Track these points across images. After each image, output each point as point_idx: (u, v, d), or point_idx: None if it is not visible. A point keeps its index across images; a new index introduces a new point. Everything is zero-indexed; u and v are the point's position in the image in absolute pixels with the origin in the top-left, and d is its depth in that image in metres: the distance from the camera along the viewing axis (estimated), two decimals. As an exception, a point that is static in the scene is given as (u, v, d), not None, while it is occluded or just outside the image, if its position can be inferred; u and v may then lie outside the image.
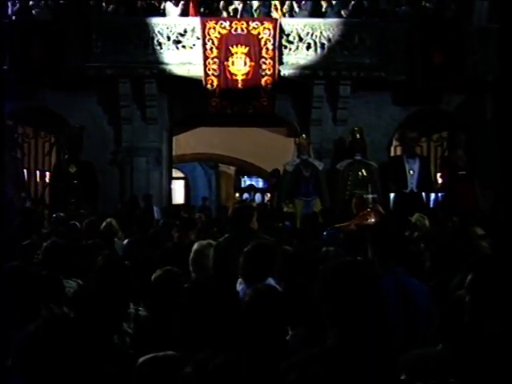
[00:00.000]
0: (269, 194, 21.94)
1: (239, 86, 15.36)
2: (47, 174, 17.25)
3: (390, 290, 3.96)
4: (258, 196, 26.43)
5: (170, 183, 17.86)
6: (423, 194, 15.53)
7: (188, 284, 3.17)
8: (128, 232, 9.51)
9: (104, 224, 8.47)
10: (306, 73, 15.63)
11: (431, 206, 15.32)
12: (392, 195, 15.48)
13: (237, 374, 2.31)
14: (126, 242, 8.36)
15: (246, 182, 27.14)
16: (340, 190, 15.40)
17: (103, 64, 15.20)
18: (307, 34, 15.55)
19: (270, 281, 4.68)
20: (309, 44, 15.59)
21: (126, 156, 16.14)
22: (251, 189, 26.07)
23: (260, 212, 13.77)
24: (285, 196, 15.06)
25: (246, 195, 25.31)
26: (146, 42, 15.50)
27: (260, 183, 26.72)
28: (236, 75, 15.38)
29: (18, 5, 15.99)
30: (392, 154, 17.30)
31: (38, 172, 17.34)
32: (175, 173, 22.98)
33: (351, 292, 2.60)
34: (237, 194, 26.95)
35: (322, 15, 16.25)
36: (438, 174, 16.84)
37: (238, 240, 5.91)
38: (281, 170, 15.97)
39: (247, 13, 16.40)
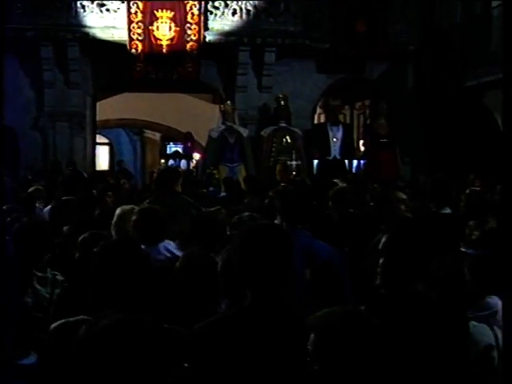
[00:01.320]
0: (194, 161, 21.87)
1: (164, 51, 15.23)
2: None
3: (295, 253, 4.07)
4: (183, 162, 26.31)
5: (93, 149, 17.66)
6: (346, 160, 15.82)
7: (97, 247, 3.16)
8: (50, 197, 9.38)
9: (31, 189, 8.38)
10: (232, 39, 15.62)
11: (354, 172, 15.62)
12: (315, 162, 15.71)
13: (125, 336, 2.30)
14: (49, 207, 8.24)
15: (172, 148, 26.92)
16: (264, 156, 15.52)
17: (24, 26, 14.81)
18: (233, -1, 15.53)
19: (168, 244, 4.81)
20: (234, 10, 15.56)
21: (49, 121, 15.85)
22: (177, 155, 25.88)
23: (185, 178, 13.83)
24: (209, 162, 15.09)
25: (171, 161, 25.10)
26: (69, 5, 15.17)
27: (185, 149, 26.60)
28: (161, 40, 15.24)
29: None
30: (316, 121, 17.51)
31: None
32: (99, 138, 22.69)
33: (264, 254, 2.63)
34: (162, 161, 26.76)
35: (248, -19, 16.21)
36: (361, 142, 17.14)
37: (162, 201, 6.00)
38: (194, 133, 15.91)
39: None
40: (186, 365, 2.64)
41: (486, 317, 3.65)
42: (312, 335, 2.44)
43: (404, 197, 6.52)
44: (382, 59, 16.53)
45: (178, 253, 4.68)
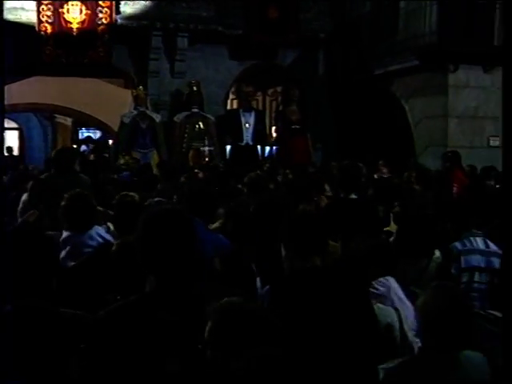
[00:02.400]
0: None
1: (74, 34, 14.95)
2: None
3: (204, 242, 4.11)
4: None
5: (1, 134, 17.19)
6: (258, 146, 15.95)
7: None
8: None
9: None
10: (144, 23, 15.48)
11: (266, 158, 15.77)
12: (228, 148, 15.79)
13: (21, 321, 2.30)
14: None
15: (84, 133, 26.50)
16: (177, 142, 15.49)
17: None
18: (145, -17, 15.38)
19: (98, 229, 4.77)
20: (147, -6, 15.43)
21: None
22: (89, 141, 25.51)
23: (97, 163, 13.67)
24: (121, 148, 14.96)
25: (83, 147, 24.71)
26: (-26, -15, 14.71)
27: (98, 135, 26.21)
28: (71, 23, 14.96)
29: None
30: (228, 107, 17.58)
31: None
32: (8, 123, 22.12)
33: (165, 239, 2.65)
34: (74, 146, 26.31)
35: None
36: (273, 128, 17.32)
37: (57, 179, 5.96)
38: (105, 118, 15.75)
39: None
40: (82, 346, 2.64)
41: (380, 295, 3.82)
42: (209, 323, 2.50)
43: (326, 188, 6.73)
44: (294, 46, 16.74)
45: (109, 237, 4.69)
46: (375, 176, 12.39)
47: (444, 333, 2.98)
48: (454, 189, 8.52)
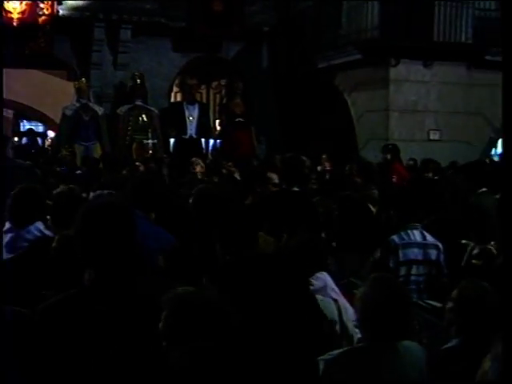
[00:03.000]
0: (49, 139, 21.33)
1: (14, 24, 14.69)
2: None
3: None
4: (38, 140, 25.55)
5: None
6: (202, 139, 15.93)
7: None
8: None
9: None
10: (86, 14, 15.31)
11: (209, 151, 15.78)
12: (172, 141, 15.73)
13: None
14: None
15: (26, 126, 26.04)
16: (120, 135, 15.37)
17: None
18: (88, -26, 15.21)
19: (39, 224, 4.71)
20: (89, -15, 15.26)
21: None
22: (31, 133, 25.07)
23: (38, 156, 13.49)
24: (64, 141, 14.77)
25: (25, 139, 24.28)
26: None
27: (40, 127, 25.79)
28: (11, 13, 14.68)
29: None
30: (172, 99, 17.51)
31: None
32: None
33: (103, 232, 2.63)
34: (16, 138, 25.84)
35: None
36: (217, 121, 17.32)
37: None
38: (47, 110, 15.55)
39: None
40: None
41: (317, 290, 3.87)
42: (164, 313, 2.50)
43: (275, 177, 6.78)
44: (238, 39, 16.76)
45: (48, 232, 4.62)
46: (318, 169, 12.53)
47: (382, 323, 3.04)
48: (393, 181, 8.69)
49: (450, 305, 3.49)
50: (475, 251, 5.65)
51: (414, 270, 5.28)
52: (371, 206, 6.33)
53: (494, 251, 5.78)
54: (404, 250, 5.26)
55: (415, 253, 5.29)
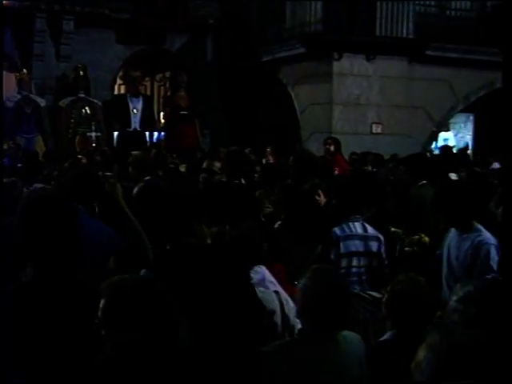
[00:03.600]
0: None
1: (-48, 14, 14.36)
2: None
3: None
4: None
5: None
6: (146, 132, 15.84)
7: None
8: None
9: None
10: (27, 5, 15.06)
11: (154, 144, 15.67)
12: (116, 133, 15.60)
13: None
14: None
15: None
16: (63, 127, 15.19)
17: None
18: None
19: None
20: (31, -26, 15.01)
21: None
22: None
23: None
24: (5, 133, 14.49)
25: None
26: None
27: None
28: (-51, 3, 14.36)
29: None
30: (116, 92, 17.35)
31: None
32: None
33: (42, 227, 2.63)
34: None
35: None
36: (161, 114, 17.23)
37: None
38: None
39: None
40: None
41: (256, 283, 3.89)
42: (102, 301, 2.51)
43: (218, 165, 6.81)
44: (183, 31, 16.71)
45: None
46: (263, 161, 12.59)
47: (322, 315, 3.09)
48: (335, 174, 8.79)
49: (384, 299, 3.59)
50: (407, 240, 5.82)
51: (354, 262, 5.37)
52: (322, 196, 6.42)
53: (427, 239, 5.95)
54: (345, 242, 5.35)
55: (356, 245, 5.38)
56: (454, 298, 2.82)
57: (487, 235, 4.82)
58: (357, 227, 5.43)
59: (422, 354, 2.18)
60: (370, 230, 5.49)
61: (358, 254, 5.39)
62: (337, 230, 5.37)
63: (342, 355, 3.19)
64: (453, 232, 5.06)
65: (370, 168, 9.89)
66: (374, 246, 5.44)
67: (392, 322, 3.51)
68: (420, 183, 6.78)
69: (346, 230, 5.40)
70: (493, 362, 2.02)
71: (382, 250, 5.50)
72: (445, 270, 5.08)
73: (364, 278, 5.37)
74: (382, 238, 5.53)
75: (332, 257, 5.28)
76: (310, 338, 3.17)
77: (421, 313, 3.36)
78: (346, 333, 3.25)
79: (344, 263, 5.34)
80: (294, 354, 3.12)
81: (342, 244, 5.33)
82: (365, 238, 5.42)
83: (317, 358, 3.12)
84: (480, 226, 4.83)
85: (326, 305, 3.11)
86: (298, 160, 6.62)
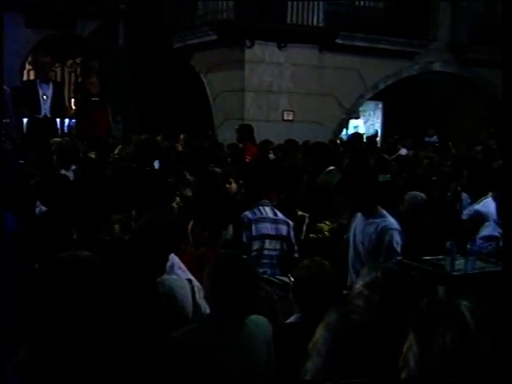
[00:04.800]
0: None
1: None
2: None
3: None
4: None
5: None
6: (57, 119, 15.54)
7: None
8: None
9: None
10: None
11: (65, 131, 15.42)
12: (25, 120, 15.25)
13: None
14: None
15: None
16: (-31, 114, 14.76)
17: None
18: None
19: None
20: None
21: None
22: None
23: None
24: None
25: None
26: None
27: None
28: None
29: None
30: (25, 78, 16.97)
31: None
32: None
33: None
34: None
35: None
36: (72, 100, 16.95)
37: None
38: None
39: None
40: None
41: (166, 270, 3.93)
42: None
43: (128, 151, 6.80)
44: (94, 17, 16.47)
45: None
46: (179, 149, 12.60)
47: (229, 300, 3.12)
48: (247, 160, 8.90)
49: (291, 283, 3.68)
50: (313, 227, 5.98)
51: (267, 245, 5.46)
52: (233, 184, 6.51)
53: (330, 226, 6.12)
54: (257, 225, 5.44)
55: (268, 228, 5.48)
56: (360, 282, 2.93)
57: (391, 220, 5.01)
58: (267, 211, 5.53)
59: (319, 333, 2.27)
60: (280, 215, 5.60)
61: (269, 236, 5.48)
62: (248, 214, 5.45)
63: (249, 339, 3.24)
64: (359, 217, 5.23)
65: (271, 156, 10.04)
66: (284, 230, 5.55)
67: (298, 306, 3.61)
68: (328, 169, 6.95)
69: (257, 213, 5.48)
70: (389, 348, 2.06)
71: (292, 234, 5.63)
72: (351, 254, 5.25)
73: (275, 261, 5.46)
74: (291, 223, 5.65)
75: (244, 240, 5.36)
76: (217, 324, 3.19)
77: (325, 296, 3.42)
78: (253, 317, 3.28)
79: (256, 246, 5.42)
80: (201, 339, 3.14)
81: (254, 227, 5.41)
82: (275, 222, 5.53)
83: (224, 343, 3.15)
84: (384, 212, 5.02)
85: (233, 290, 3.14)
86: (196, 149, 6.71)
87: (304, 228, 6.13)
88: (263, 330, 3.34)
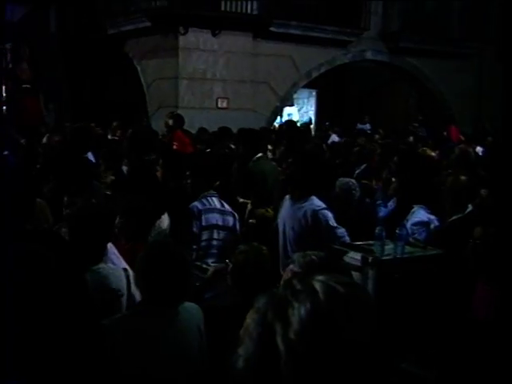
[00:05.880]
0: None
1: None
2: None
3: None
4: None
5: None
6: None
7: None
8: None
9: None
10: None
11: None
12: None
13: None
14: None
15: None
16: None
17: None
18: None
19: None
20: None
21: None
22: None
23: None
24: None
25: None
26: None
27: None
28: None
29: None
30: None
31: None
32: None
33: None
34: None
35: None
36: (3, 87, 16.59)
37: None
38: None
39: None
40: None
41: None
42: None
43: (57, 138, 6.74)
44: (24, 2, 16.14)
45: None
46: (109, 137, 12.49)
47: (160, 287, 3.15)
48: (174, 147, 8.83)
49: (229, 268, 3.73)
50: (253, 213, 6.06)
51: (215, 235, 5.47)
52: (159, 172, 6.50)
53: (271, 213, 6.21)
54: (206, 215, 5.45)
55: (216, 218, 5.49)
56: (295, 268, 2.99)
57: (317, 202, 5.13)
58: (215, 202, 5.56)
59: (249, 317, 2.31)
60: (226, 205, 5.63)
61: (217, 227, 5.49)
62: (198, 204, 5.45)
63: (181, 326, 3.27)
64: (286, 202, 5.32)
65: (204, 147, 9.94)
66: (230, 221, 5.57)
67: (236, 290, 3.65)
68: (257, 156, 7.01)
69: (206, 203, 5.49)
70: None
71: (237, 226, 5.66)
72: (281, 240, 5.35)
73: (222, 251, 5.47)
74: (236, 215, 5.69)
75: (195, 229, 5.38)
76: (149, 311, 3.21)
77: (262, 281, 3.47)
78: (185, 304, 3.31)
79: (205, 236, 5.43)
80: (132, 326, 3.16)
81: (203, 217, 5.42)
82: (223, 213, 5.55)
83: (156, 330, 3.17)
84: (311, 196, 5.14)
85: (164, 277, 3.15)
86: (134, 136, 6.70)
87: (246, 215, 6.19)
88: (195, 317, 3.38)
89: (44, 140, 10.24)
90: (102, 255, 3.85)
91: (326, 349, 1.28)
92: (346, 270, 3.82)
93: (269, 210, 6.30)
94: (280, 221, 5.31)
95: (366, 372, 1.31)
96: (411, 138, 13.50)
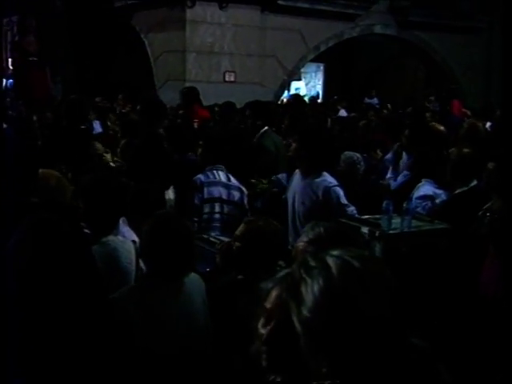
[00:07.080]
0: None
1: None
2: None
3: None
4: None
5: None
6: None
7: None
8: None
9: None
10: None
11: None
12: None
13: None
14: None
15: None
16: None
17: None
18: None
19: None
20: None
21: None
22: None
23: None
24: None
25: None
26: None
27: None
28: None
29: None
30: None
31: None
32: None
33: None
34: None
35: None
36: (10, 60, 16.55)
37: None
38: None
39: None
40: None
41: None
42: None
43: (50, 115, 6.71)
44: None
45: None
46: (117, 110, 12.48)
47: (164, 260, 3.15)
48: (195, 124, 8.72)
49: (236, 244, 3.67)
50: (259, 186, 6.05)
51: (217, 208, 5.46)
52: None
53: (264, 185, 6.18)
54: (209, 188, 5.43)
55: (220, 191, 5.47)
56: (304, 239, 2.97)
57: (330, 178, 5.09)
58: (220, 175, 5.53)
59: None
60: (233, 180, 5.59)
61: (221, 200, 5.47)
62: (201, 176, 5.44)
63: (187, 298, 3.28)
64: (297, 176, 5.29)
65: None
66: (236, 195, 5.54)
67: (242, 264, 3.58)
68: (263, 130, 6.97)
69: (210, 176, 5.48)
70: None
71: (245, 201, 5.63)
72: (290, 214, 5.32)
73: (226, 225, 5.41)
74: (245, 190, 5.66)
75: (196, 201, 5.37)
76: (152, 283, 3.21)
77: (269, 254, 3.42)
78: (191, 276, 3.31)
79: (207, 209, 5.41)
80: (138, 298, 3.16)
81: (205, 189, 5.40)
82: (228, 187, 5.53)
83: (163, 302, 3.18)
84: (323, 171, 5.10)
85: (169, 249, 3.15)
86: (146, 107, 6.61)
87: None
88: (199, 289, 3.38)
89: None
90: (112, 228, 3.82)
91: (344, 326, 1.24)
92: (361, 241, 3.80)
93: (264, 181, 6.26)
94: (290, 194, 5.28)
95: (388, 348, 1.27)
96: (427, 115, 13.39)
